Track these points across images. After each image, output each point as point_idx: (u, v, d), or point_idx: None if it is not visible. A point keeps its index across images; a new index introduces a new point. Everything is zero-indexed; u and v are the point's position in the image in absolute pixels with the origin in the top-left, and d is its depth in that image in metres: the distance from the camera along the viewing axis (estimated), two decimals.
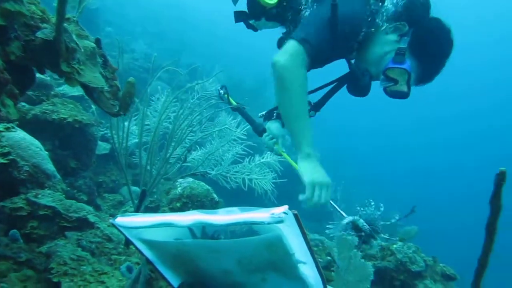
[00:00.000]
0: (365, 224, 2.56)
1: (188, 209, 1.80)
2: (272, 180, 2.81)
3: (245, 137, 2.82)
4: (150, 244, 1.02)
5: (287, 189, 5.59)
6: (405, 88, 1.72)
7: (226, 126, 2.71)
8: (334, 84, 2.01)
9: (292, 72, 1.53)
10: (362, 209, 2.63)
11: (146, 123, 2.60)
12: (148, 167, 2.04)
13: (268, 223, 0.87)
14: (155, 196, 2.42)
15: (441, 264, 2.90)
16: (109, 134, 3.03)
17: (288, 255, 0.96)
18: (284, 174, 3.16)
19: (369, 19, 1.67)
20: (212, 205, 2.00)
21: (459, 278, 2.85)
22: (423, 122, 30.87)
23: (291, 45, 1.55)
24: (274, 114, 2.17)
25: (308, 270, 1.06)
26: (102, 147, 3.13)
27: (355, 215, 2.37)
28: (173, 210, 2.09)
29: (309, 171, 1.56)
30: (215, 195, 2.22)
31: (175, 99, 2.45)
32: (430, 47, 1.71)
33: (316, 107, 2.03)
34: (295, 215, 0.91)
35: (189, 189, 2.29)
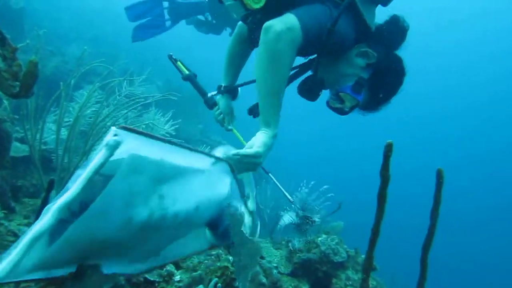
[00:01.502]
0: (298, 212, 2.65)
1: None
2: None
3: (174, 133, 2.77)
4: None
5: None
6: (347, 110, 1.82)
7: (151, 121, 2.63)
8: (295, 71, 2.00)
9: (286, 45, 1.45)
10: (295, 196, 2.71)
11: (68, 119, 2.49)
12: (66, 161, 1.97)
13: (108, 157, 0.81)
14: None
15: (363, 255, 3.08)
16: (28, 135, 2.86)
17: (154, 161, 0.92)
18: None
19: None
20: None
21: (379, 268, 3.03)
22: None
23: (291, 18, 1.47)
24: (222, 88, 2.21)
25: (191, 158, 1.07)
26: (21, 149, 2.96)
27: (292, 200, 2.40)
28: None
29: (265, 146, 1.51)
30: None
31: (100, 96, 2.39)
32: (387, 84, 1.79)
33: None
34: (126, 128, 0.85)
35: None
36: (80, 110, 2.16)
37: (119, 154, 0.82)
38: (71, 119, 2.60)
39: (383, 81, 1.76)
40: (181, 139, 6.04)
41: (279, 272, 2.63)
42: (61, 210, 0.77)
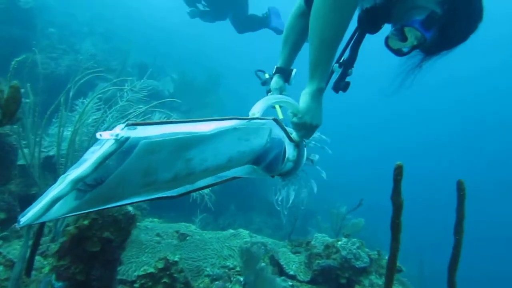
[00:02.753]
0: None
1: (98, 226, 1.64)
2: None
3: None
4: None
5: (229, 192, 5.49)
6: (407, 50, 1.59)
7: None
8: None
9: None
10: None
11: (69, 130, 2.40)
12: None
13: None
14: None
15: (386, 257, 2.93)
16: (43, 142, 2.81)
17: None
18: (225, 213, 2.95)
19: None
20: (127, 220, 1.83)
21: (405, 270, 2.88)
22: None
23: None
24: (274, 70, 2.03)
25: None
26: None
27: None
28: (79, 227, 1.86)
29: (312, 111, 1.43)
30: (130, 208, 2.04)
31: (100, 102, 2.28)
32: (460, 26, 1.56)
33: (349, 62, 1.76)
34: None
35: None
36: (80, 118, 2.06)
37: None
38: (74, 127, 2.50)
39: (456, 21, 1.54)
40: None
41: (297, 280, 2.52)
42: (76, 182, 0.80)
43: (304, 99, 1.42)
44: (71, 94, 2.20)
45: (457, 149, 30.23)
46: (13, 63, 2.02)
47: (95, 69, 5.99)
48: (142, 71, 7.42)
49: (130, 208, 1.84)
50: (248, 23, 5.27)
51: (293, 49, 1.99)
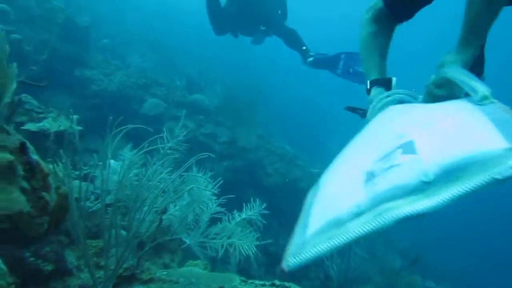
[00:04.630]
0: None
1: None
2: (255, 242, 2.44)
3: (219, 193, 2.50)
4: None
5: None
6: None
7: (195, 185, 2.36)
8: None
9: None
10: None
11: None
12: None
13: None
14: (130, 262, 2.23)
15: None
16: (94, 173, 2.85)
17: None
18: (267, 232, 2.82)
19: None
20: None
21: None
22: None
23: None
24: (368, 86, 1.61)
25: None
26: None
27: None
28: None
29: None
30: None
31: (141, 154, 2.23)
32: None
33: None
34: None
35: None
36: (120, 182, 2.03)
37: None
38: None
39: None
40: (238, 147, 5.93)
41: None
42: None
43: (457, 65, 1.23)
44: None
45: None
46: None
47: (144, 83, 6.18)
48: (190, 84, 7.55)
49: None
50: (292, 40, 5.07)
51: (383, 55, 1.67)
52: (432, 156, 0.67)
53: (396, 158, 0.72)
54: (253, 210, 2.47)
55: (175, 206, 2.38)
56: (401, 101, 1.26)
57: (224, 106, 6.69)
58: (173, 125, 5.83)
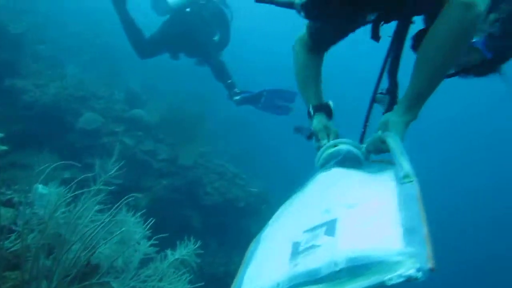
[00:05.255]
0: None
1: None
2: (187, 285, 2.38)
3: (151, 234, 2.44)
4: None
5: None
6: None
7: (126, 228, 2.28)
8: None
9: (476, 26, 1.28)
10: None
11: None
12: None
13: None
14: None
15: None
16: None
17: None
18: (206, 251, 2.84)
19: None
20: None
21: None
22: None
23: None
24: (310, 110, 1.79)
25: None
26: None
27: None
28: None
29: (400, 136, 1.33)
30: None
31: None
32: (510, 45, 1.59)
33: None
34: None
35: None
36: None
37: None
38: None
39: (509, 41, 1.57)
40: (178, 165, 5.86)
41: None
42: None
43: (399, 128, 1.34)
44: None
45: None
46: None
47: (82, 96, 5.93)
48: (132, 97, 7.34)
49: None
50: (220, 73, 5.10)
51: (317, 83, 1.87)
52: (346, 245, 0.79)
53: (318, 236, 0.85)
54: (188, 248, 2.44)
55: (105, 244, 2.29)
56: (345, 153, 1.40)
57: (166, 121, 6.60)
58: (110, 141, 5.67)
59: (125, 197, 2.18)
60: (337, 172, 1.27)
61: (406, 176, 1.01)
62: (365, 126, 1.69)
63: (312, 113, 1.75)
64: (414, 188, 0.96)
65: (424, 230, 0.77)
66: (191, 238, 2.54)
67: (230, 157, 7.69)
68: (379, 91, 1.68)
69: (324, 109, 1.76)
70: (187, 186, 5.83)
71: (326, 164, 1.38)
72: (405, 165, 1.06)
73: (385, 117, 1.43)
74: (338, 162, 1.35)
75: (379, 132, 1.39)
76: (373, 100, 1.68)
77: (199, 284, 2.37)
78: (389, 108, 1.62)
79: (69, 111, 5.58)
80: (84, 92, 6.02)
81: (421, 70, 1.35)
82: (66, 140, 5.33)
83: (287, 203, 1.29)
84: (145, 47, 5.01)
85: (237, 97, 4.92)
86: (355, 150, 1.41)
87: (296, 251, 0.85)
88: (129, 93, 7.40)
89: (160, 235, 2.44)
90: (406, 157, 1.12)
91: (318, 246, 0.83)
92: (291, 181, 1.80)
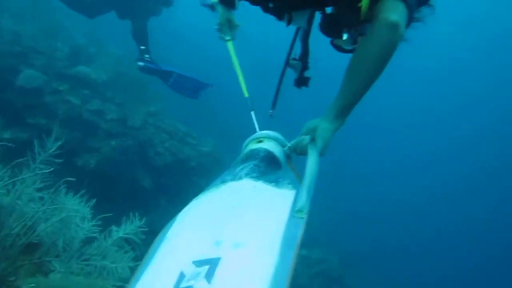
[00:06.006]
0: None
1: None
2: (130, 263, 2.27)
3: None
4: None
5: None
6: (349, 48, 1.63)
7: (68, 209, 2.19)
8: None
9: (397, 46, 1.40)
10: None
11: None
12: None
13: None
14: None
15: None
16: None
17: None
18: (156, 210, 2.78)
19: None
20: None
21: None
22: None
23: (405, 12, 1.38)
24: None
25: None
26: None
27: None
28: None
29: (328, 142, 1.47)
30: None
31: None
32: None
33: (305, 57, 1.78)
34: None
35: None
36: None
37: None
38: None
39: None
40: (128, 126, 5.79)
41: None
42: None
43: (326, 135, 1.45)
44: None
45: None
46: None
47: (20, 53, 5.55)
48: (77, 53, 6.92)
49: None
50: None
51: None
52: None
53: (199, 277, 0.84)
54: (133, 224, 2.42)
55: (46, 221, 2.24)
56: (265, 155, 1.41)
57: (114, 80, 6.39)
58: (54, 100, 5.43)
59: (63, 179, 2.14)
60: (246, 186, 1.24)
61: (299, 210, 1.05)
62: (277, 91, 1.81)
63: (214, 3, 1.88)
64: (300, 227, 0.99)
65: None
66: (136, 214, 2.49)
67: (181, 116, 7.64)
68: (292, 57, 1.78)
69: (226, 1, 1.86)
70: (137, 146, 5.80)
71: (244, 163, 1.36)
72: (303, 198, 1.09)
73: (314, 122, 1.51)
74: (256, 165, 1.33)
75: (307, 138, 1.47)
76: (286, 64, 1.78)
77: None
78: (301, 74, 1.76)
79: (5, 68, 5.25)
80: (21, 48, 5.66)
81: (351, 84, 1.46)
82: (4, 99, 5.05)
83: (199, 198, 1.23)
84: (87, 6, 4.83)
85: (142, 63, 4.93)
86: (276, 152, 1.44)
87: (177, 286, 0.84)
88: (74, 48, 6.99)
89: (104, 215, 2.40)
90: (309, 188, 1.16)
91: None
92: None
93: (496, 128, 24.36)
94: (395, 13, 1.37)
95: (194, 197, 1.20)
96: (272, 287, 0.79)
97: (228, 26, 1.91)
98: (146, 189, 5.71)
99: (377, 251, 12.42)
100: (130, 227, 2.44)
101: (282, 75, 1.77)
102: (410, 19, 1.44)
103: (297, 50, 1.81)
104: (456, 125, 25.15)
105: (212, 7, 1.95)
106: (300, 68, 1.76)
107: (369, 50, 1.42)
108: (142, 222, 2.49)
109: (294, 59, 1.76)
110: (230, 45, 1.89)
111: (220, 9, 1.90)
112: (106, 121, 5.61)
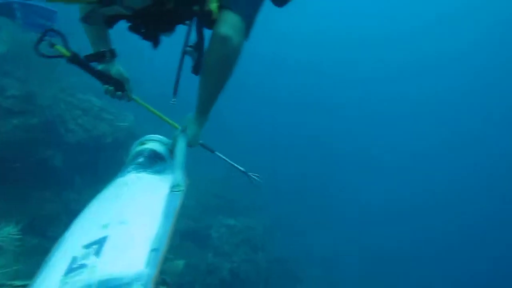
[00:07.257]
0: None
1: None
2: None
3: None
4: None
5: None
6: None
7: None
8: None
9: (238, 55, 1.52)
10: None
11: None
12: None
13: None
14: None
15: None
16: None
17: None
18: (70, 188, 2.63)
19: None
20: None
21: None
22: None
23: (240, 24, 1.48)
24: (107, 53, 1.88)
25: None
26: None
27: None
28: None
29: (197, 136, 1.69)
30: None
31: None
32: None
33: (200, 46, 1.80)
34: None
35: None
36: None
37: None
38: None
39: None
40: (33, 102, 5.43)
41: None
42: None
43: (194, 128, 1.67)
44: None
45: None
46: None
47: None
48: None
49: None
50: None
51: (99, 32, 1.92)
52: (102, 269, 0.85)
53: (89, 256, 0.90)
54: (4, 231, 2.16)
55: None
56: (148, 154, 1.54)
57: (14, 53, 5.91)
58: None
59: None
60: (130, 179, 1.33)
61: (177, 185, 1.18)
62: (177, 80, 1.89)
63: (107, 57, 1.86)
64: (178, 198, 1.13)
65: (162, 250, 0.88)
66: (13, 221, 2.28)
67: (98, 91, 7.30)
68: (189, 44, 1.84)
69: (114, 55, 1.89)
70: (45, 124, 5.51)
71: (133, 161, 1.48)
72: (178, 174, 1.25)
73: (186, 118, 1.71)
74: (141, 163, 1.45)
75: (179, 130, 1.64)
76: (184, 53, 1.83)
77: None
78: (197, 61, 1.82)
79: None
80: None
81: (204, 88, 1.64)
82: None
83: (99, 196, 1.29)
84: None
85: None
86: (158, 149, 1.59)
87: (70, 268, 0.88)
88: None
89: None
90: (182, 165, 1.33)
91: (86, 266, 0.86)
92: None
93: (499, 128, 25.10)
94: (225, 26, 1.46)
95: (109, 173, 1.34)
96: (152, 247, 0.89)
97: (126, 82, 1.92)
98: (58, 167, 5.51)
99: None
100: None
101: (180, 64, 1.84)
102: (249, 27, 1.54)
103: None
104: (456, 125, 25.51)
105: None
106: (196, 56, 1.83)
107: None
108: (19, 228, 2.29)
109: (191, 46, 1.81)
110: (139, 101, 2.01)
111: (112, 66, 1.88)
112: (5, 97, 5.22)
